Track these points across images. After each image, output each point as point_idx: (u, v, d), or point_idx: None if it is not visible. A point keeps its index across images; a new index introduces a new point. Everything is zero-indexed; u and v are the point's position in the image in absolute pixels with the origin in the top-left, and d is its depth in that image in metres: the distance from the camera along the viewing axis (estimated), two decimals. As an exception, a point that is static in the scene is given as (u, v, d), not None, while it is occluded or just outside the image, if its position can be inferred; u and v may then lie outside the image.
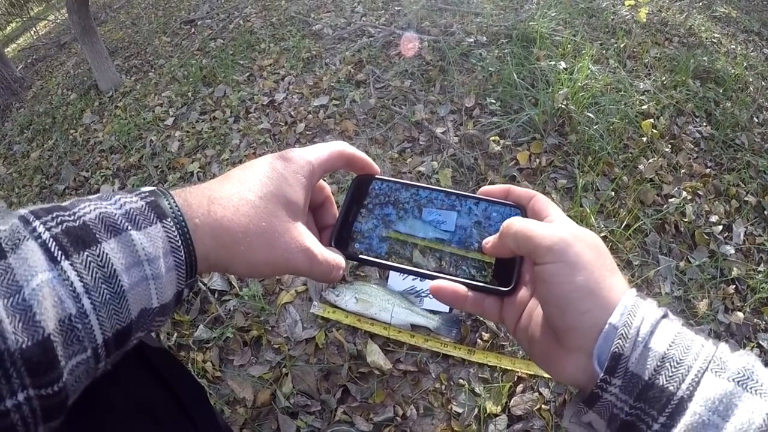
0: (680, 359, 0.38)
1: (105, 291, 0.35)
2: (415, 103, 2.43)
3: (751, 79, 2.96)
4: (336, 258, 0.52)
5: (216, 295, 1.75)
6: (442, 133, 2.20)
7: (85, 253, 0.35)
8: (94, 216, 0.37)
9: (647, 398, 0.38)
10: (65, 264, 0.34)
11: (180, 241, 0.41)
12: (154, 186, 0.44)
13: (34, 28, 7.52)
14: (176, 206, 0.42)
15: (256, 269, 0.47)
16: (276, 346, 1.60)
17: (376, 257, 0.56)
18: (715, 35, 3.63)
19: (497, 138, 2.18)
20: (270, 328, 1.65)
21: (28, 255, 0.32)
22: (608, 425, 0.41)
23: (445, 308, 1.60)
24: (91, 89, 3.74)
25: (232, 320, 1.68)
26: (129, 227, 0.38)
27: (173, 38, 4.39)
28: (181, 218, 0.42)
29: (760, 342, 1.69)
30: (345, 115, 2.46)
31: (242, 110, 2.74)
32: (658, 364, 0.38)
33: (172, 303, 0.42)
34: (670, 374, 0.38)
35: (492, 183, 1.97)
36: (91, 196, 0.40)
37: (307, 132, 2.42)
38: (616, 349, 0.39)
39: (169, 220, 0.41)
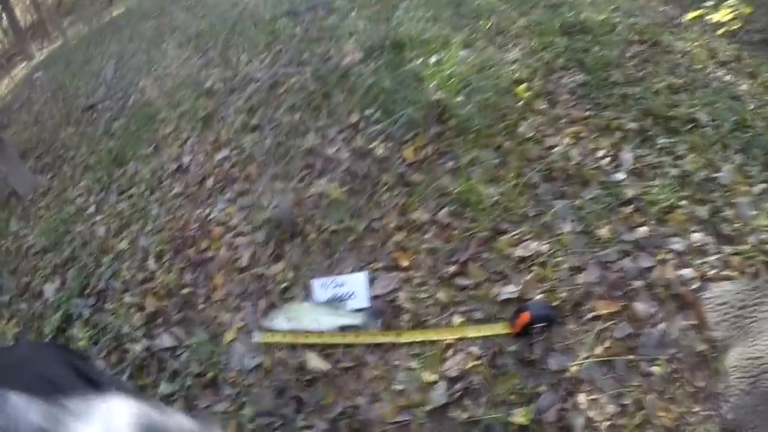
0: None
1: None
2: (306, 133, 2.65)
3: (618, 19, 3.26)
4: None
5: (169, 352, 1.93)
6: (334, 152, 2.43)
7: None
8: None
9: None
10: None
11: None
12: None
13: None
14: None
15: None
16: (231, 381, 1.80)
17: None
18: None
19: (379, 144, 2.42)
20: (223, 367, 1.85)
21: None
22: None
23: (367, 304, 1.83)
24: (11, 197, 3.85)
25: (188, 369, 1.87)
26: None
27: (77, 127, 4.52)
28: None
29: (672, 247, 1.88)
30: (247, 161, 2.67)
31: (155, 181, 2.92)
32: None
33: None
34: None
35: (385, 184, 2.22)
36: None
37: (216, 186, 2.62)
38: None
39: None
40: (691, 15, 3.13)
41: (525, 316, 1.62)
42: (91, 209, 3.04)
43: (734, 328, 1.65)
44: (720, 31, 3.09)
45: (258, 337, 1.84)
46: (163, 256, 2.37)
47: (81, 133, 4.34)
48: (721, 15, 3.02)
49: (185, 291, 2.14)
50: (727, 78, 2.83)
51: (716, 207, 2.02)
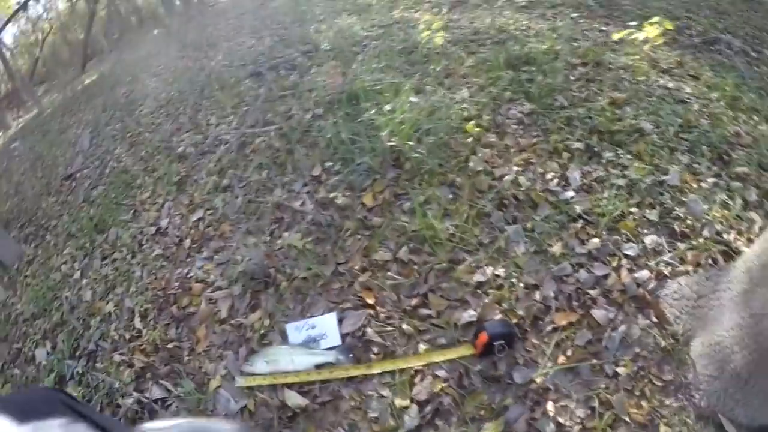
0: None
1: None
2: (274, 189, 2.85)
3: (560, 47, 3.51)
4: None
5: (159, 403, 2.08)
6: (300, 205, 2.63)
7: None
8: None
9: None
10: None
11: None
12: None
13: None
14: None
15: None
16: (218, 424, 1.95)
17: None
18: (524, 23, 4.25)
19: (340, 193, 2.62)
20: (210, 413, 2.00)
21: None
22: None
23: (338, 342, 2.00)
24: (-4, 268, 3.98)
25: (178, 417, 2.02)
26: None
27: (58, 196, 4.68)
28: None
29: (626, 252, 2.04)
30: (220, 219, 2.86)
31: (136, 245, 3.09)
32: None
33: None
34: None
35: (348, 230, 2.42)
36: None
37: (194, 245, 2.80)
38: None
39: None
40: (617, 35, 3.38)
41: (483, 336, 1.76)
42: (77, 275, 3.19)
43: (694, 319, 1.74)
44: (659, 42, 3.31)
45: (240, 382, 1.99)
46: (148, 314, 2.52)
47: (62, 202, 4.50)
48: (647, 33, 3.25)
49: (171, 345, 2.29)
50: (671, 84, 3.05)
51: (667, 208, 2.19)
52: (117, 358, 2.37)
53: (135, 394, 2.14)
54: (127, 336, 2.48)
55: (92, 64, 12.76)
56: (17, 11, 17.50)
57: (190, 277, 2.59)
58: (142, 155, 4.24)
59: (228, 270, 2.48)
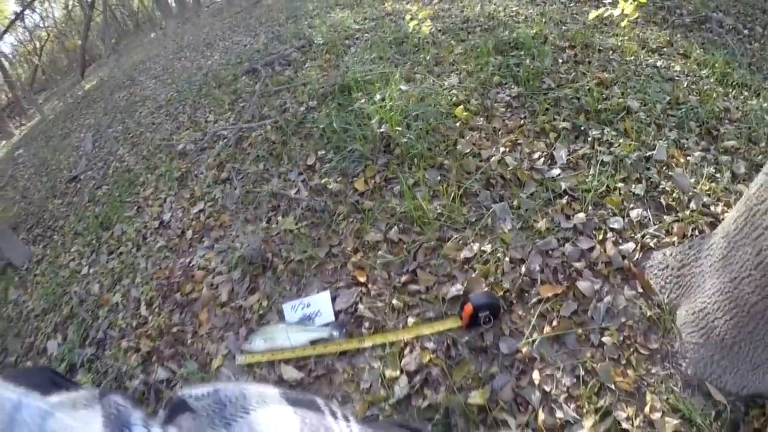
0: None
1: None
2: (270, 179, 2.96)
3: (549, 31, 3.57)
4: None
5: (164, 384, 2.18)
6: (295, 193, 2.73)
7: None
8: None
9: None
10: None
11: None
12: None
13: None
14: None
15: None
16: (221, 400, 2.05)
17: None
18: (513, 9, 4.32)
19: (333, 180, 2.72)
20: (213, 390, 2.10)
21: None
22: None
23: (332, 318, 2.10)
24: (7, 268, 4.09)
25: (183, 397, 2.12)
26: None
27: (63, 198, 4.80)
28: None
29: (611, 226, 2.09)
30: (220, 210, 2.97)
31: (140, 239, 3.20)
32: None
33: None
34: None
35: (340, 214, 2.51)
36: None
37: (195, 236, 2.91)
38: None
39: None
40: (593, 14, 3.43)
41: (468, 308, 1.82)
42: (85, 270, 3.30)
43: (678, 287, 1.75)
44: (634, 16, 3.30)
45: (240, 360, 2.09)
46: (153, 302, 2.62)
47: (68, 203, 4.62)
48: (624, 8, 3.23)
49: (175, 330, 2.39)
50: (659, 63, 3.09)
51: (653, 183, 2.23)
52: (124, 344, 2.48)
53: (141, 376, 2.25)
54: (134, 323, 2.58)
55: (91, 69, 12.93)
56: (14, 21, 17.69)
57: (193, 265, 2.70)
58: (144, 154, 4.35)
59: (228, 257, 2.58)
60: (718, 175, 2.29)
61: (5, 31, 17.51)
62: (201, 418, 0.43)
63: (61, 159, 6.02)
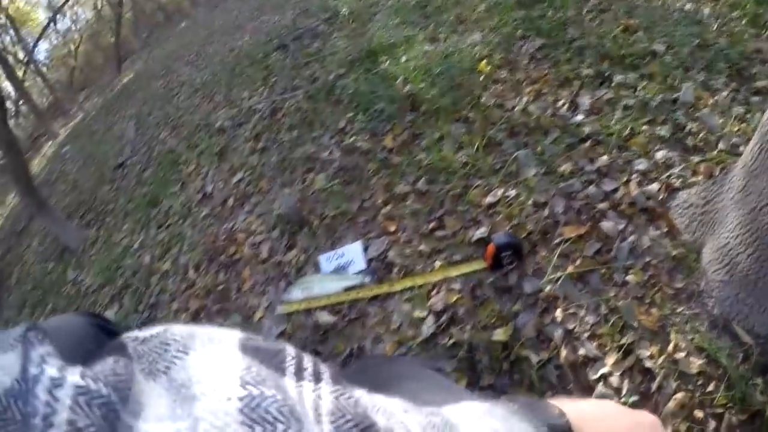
0: None
1: None
2: (304, 145, 3.08)
3: None
4: None
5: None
6: (328, 155, 2.85)
7: None
8: None
9: None
10: None
11: None
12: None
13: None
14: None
15: None
16: (264, 347, 2.19)
17: None
18: None
19: (363, 139, 2.83)
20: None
21: None
22: None
23: (364, 266, 2.21)
24: (64, 252, 4.35)
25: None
26: None
27: (112, 184, 5.06)
28: None
29: (636, 168, 2.03)
30: (258, 178, 3.11)
31: (186, 210, 3.38)
32: None
33: None
34: None
35: (371, 170, 2.62)
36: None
37: (236, 203, 3.07)
38: None
39: None
40: None
41: (491, 248, 1.83)
42: (136, 245, 3.50)
43: (702, 225, 1.68)
44: None
45: (280, 310, 2.23)
46: (200, 266, 2.79)
47: (116, 188, 4.86)
48: None
49: (220, 288, 2.55)
50: (687, 6, 2.92)
51: (679, 124, 2.14)
52: (175, 306, 2.65)
53: (192, 329, 2.41)
54: (183, 287, 2.75)
55: (127, 64, 13.21)
56: (46, 27, 18.26)
57: (235, 229, 2.85)
58: (185, 135, 4.55)
59: (267, 218, 2.72)
60: (748, 115, 2.17)
61: (38, 40, 18.12)
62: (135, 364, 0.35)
63: (107, 149, 6.27)
